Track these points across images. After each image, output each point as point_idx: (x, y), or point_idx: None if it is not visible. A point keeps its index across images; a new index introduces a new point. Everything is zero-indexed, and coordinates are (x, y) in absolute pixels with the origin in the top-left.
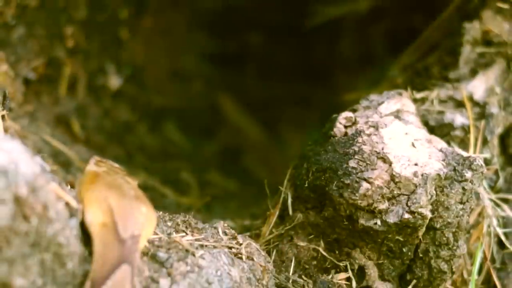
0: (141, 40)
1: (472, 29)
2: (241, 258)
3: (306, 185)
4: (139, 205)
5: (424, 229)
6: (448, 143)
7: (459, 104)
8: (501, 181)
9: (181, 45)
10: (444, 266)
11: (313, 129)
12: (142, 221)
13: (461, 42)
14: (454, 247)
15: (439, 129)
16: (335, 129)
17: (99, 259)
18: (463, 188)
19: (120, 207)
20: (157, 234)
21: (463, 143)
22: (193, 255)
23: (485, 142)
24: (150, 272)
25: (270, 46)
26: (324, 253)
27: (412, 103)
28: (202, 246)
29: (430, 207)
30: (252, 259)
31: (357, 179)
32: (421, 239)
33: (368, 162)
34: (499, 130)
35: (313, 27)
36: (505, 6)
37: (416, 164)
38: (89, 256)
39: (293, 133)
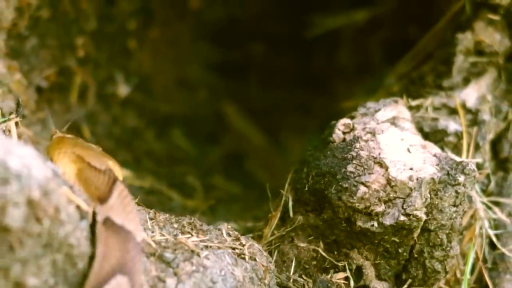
0: (149, 50)
1: (465, 40)
2: (244, 259)
3: (306, 188)
4: (105, 159)
5: (419, 230)
6: (442, 149)
7: (453, 111)
8: (492, 185)
9: (187, 55)
10: (438, 266)
11: (313, 135)
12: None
13: (454, 52)
14: (448, 248)
15: (433, 135)
16: (334, 135)
17: (91, 188)
18: (456, 192)
19: (88, 155)
20: (164, 235)
21: (456, 149)
22: (198, 255)
23: (477, 147)
24: (157, 272)
25: (272, 55)
26: (324, 254)
27: (407, 110)
28: (206, 247)
29: (424, 209)
30: (255, 260)
31: (355, 183)
32: (416, 240)
33: (366, 167)
34: (490, 136)
35: (313, 37)
36: (496, 17)
37: (411, 169)
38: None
39: (294, 139)
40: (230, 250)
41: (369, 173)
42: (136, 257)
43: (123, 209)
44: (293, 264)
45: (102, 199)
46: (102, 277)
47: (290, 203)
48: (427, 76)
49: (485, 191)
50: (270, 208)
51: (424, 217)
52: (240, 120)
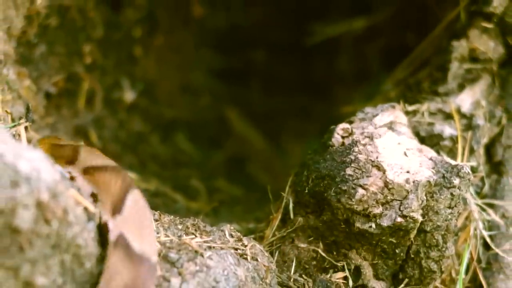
0: (154, 57)
1: (460, 47)
2: (246, 259)
3: (306, 191)
4: (78, 142)
5: (415, 231)
6: (438, 152)
7: (448, 116)
8: (486, 188)
9: (190, 62)
10: (434, 266)
11: (313, 139)
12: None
13: (450, 59)
14: (443, 249)
15: (429, 139)
16: (333, 139)
17: (58, 158)
18: (452, 194)
19: (58, 143)
20: (168, 236)
21: (452, 152)
22: (202, 256)
23: (471, 151)
24: (162, 272)
25: (273, 62)
26: (323, 254)
27: (404, 115)
28: (210, 247)
29: (421, 211)
30: (256, 260)
31: (354, 186)
32: (413, 241)
33: (364, 170)
34: (484, 140)
35: (313, 45)
36: (490, 25)
37: (408, 172)
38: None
39: (294, 143)
40: (232, 251)
41: (367, 176)
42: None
43: (96, 156)
44: (294, 264)
45: (71, 160)
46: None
47: (291, 205)
48: (423, 82)
49: (479, 194)
50: (271, 210)
51: (420, 219)
52: (242, 125)
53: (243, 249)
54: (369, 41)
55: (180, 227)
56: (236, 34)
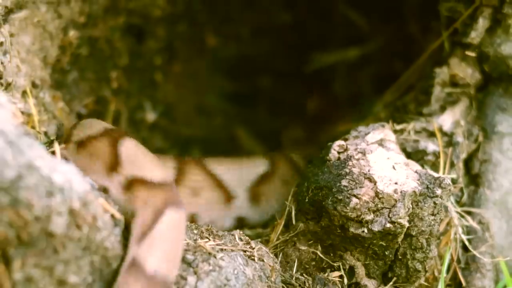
0: (172, 82)
1: (442, 73)
2: (253, 260)
3: (307, 200)
4: None
5: (402, 236)
6: (422, 166)
7: (431, 134)
8: (465, 197)
9: (205, 87)
10: (419, 266)
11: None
12: None
13: (433, 83)
14: (427, 251)
15: (414, 154)
16: (330, 155)
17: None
18: (434, 203)
19: None
20: (185, 240)
21: (434, 166)
22: (215, 257)
23: (452, 165)
24: (179, 271)
25: (277, 87)
26: (321, 256)
27: (392, 133)
28: (222, 249)
29: (407, 218)
30: (263, 260)
31: (348, 195)
32: (400, 244)
33: (357, 182)
34: (463, 155)
35: (312, 71)
36: (472, 54)
37: (396, 183)
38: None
39: None
40: (241, 252)
41: (360, 187)
42: None
43: None
44: (295, 264)
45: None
46: None
47: (293, 213)
48: (410, 104)
49: (459, 202)
50: (275, 217)
51: (407, 224)
52: (250, 142)
53: (251, 251)
54: (362, 68)
55: (195, 231)
56: (245, 62)
